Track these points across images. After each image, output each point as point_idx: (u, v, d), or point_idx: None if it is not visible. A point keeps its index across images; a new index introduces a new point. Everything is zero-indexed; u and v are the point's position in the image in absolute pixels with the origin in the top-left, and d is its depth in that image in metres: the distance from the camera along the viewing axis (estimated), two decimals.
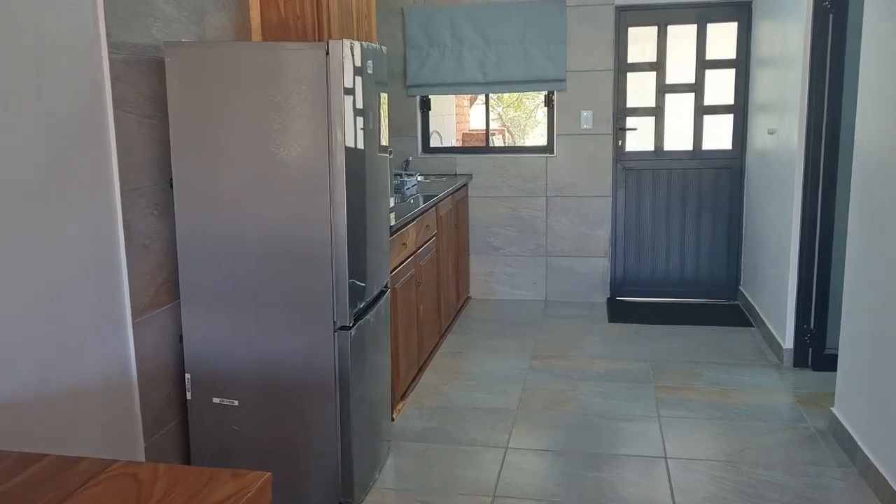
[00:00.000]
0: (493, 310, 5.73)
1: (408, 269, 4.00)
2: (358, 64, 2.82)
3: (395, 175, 5.34)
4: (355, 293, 2.86)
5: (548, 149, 5.85)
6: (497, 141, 8.22)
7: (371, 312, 3.07)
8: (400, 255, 3.85)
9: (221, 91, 2.71)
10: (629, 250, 5.82)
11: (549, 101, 5.80)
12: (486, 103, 6.19)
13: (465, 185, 5.80)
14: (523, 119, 14.15)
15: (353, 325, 2.84)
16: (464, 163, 5.90)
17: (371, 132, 3.06)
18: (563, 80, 5.62)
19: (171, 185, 2.80)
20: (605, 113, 5.64)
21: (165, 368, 2.89)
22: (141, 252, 2.72)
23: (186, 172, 2.78)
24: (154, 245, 2.79)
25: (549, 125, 5.85)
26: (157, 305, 2.82)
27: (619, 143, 5.72)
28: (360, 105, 2.87)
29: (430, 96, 5.99)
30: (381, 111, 3.22)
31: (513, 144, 12.27)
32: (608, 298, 5.85)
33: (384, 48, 3.25)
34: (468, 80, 5.72)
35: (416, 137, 5.97)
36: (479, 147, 6.36)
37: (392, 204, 4.03)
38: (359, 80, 2.84)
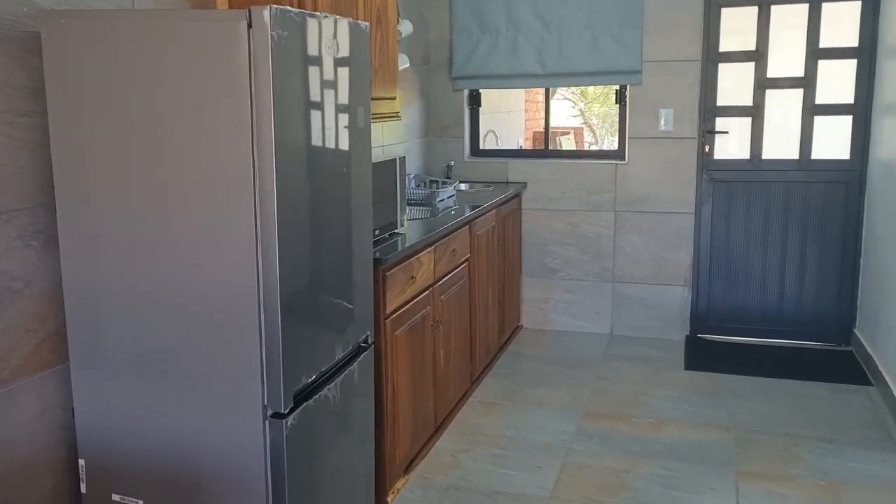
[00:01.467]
0: (546, 344, 4.82)
1: (418, 309, 3.16)
2: (312, 40, 2.00)
3: (429, 183, 4.51)
4: (297, 365, 2.05)
5: (618, 154, 4.90)
6: (566, 144, 7.21)
7: (332, 385, 2.25)
8: (405, 292, 3.02)
9: (110, 78, 1.94)
10: (715, 279, 4.80)
11: (620, 98, 4.84)
12: (546, 98, 5.26)
13: (518, 195, 4.91)
14: (611, 116, 13.07)
15: (293, 410, 2.03)
16: (517, 169, 5.01)
17: (343, 131, 2.25)
18: (639, 73, 4.65)
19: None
20: (689, 112, 4.64)
21: (51, 452, 2.15)
22: (7, 297, 1.98)
23: (71, 191, 2.03)
24: (30, 289, 2.06)
25: (621, 126, 4.89)
26: (34, 369, 2.08)
27: (707, 148, 4.70)
28: (315, 95, 2.05)
29: (479, 90, 5.12)
30: (362, 103, 2.40)
31: (597, 148, 11.30)
32: (687, 336, 4.85)
33: (366, 24, 2.42)
34: (524, 72, 4.83)
35: (463, 138, 5.11)
36: (535, 151, 5.45)
37: (404, 223, 3.20)
38: (318, 60, 2.02)
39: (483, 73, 4.90)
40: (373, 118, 3.19)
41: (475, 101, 5.14)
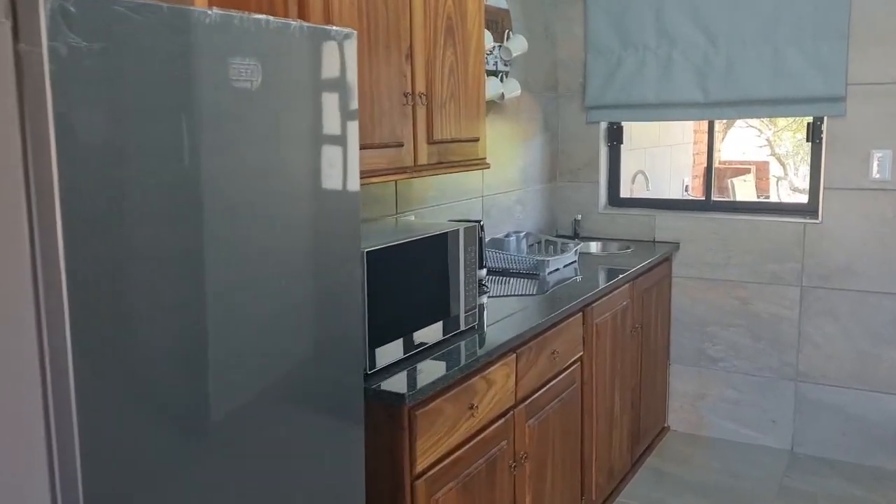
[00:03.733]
0: (699, 459, 3.62)
1: (483, 450, 2.16)
2: (179, 55, 1.10)
3: (544, 245, 3.50)
4: None
5: (808, 209, 3.63)
6: (742, 189, 5.75)
7: None
8: (455, 431, 2.03)
9: None
10: None
11: (813, 134, 3.58)
12: (710, 134, 4.06)
13: (667, 259, 3.77)
14: (804, 148, 11.25)
15: None
16: (668, 224, 3.86)
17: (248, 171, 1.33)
18: (842, 100, 3.39)
19: None
20: None
21: None
22: None
23: None
24: None
25: (814, 172, 3.63)
26: None
27: None
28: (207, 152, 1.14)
29: (621, 123, 4.03)
30: (336, 160, 1.46)
31: (791, 187, 9.72)
32: None
33: (342, 31, 1.48)
34: (680, 100, 3.69)
35: (598, 184, 4.03)
36: (692, 201, 4.24)
37: (479, 315, 2.22)
38: (211, 89, 1.12)
39: (625, 102, 3.81)
40: (445, 168, 2.27)
41: (615, 135, 4.05)
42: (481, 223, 2.84)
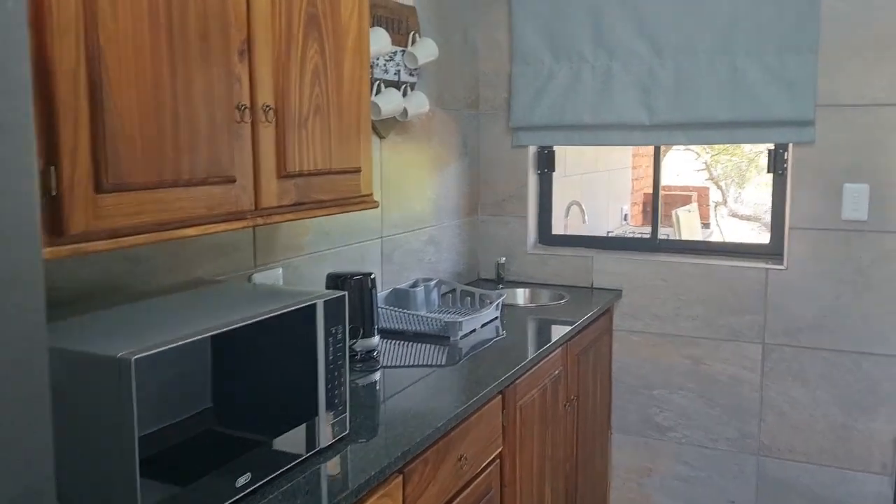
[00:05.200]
0: None
1: None
2: None
3: (459, 296, 2.87)
4: None
5: (771, 252, 3.08)
6: (687, 222, 5.16)
7: None
8: None
9: None
10: None
11: (775, 163, 3.03)
12: (656, 160, 3.48)
13: (608, 310, 3.17)
14: (744, 168, 10.93)
15: None
16: (608, 268, 3.26)
17: None
18: (810, 124, 2.85)
19: None
20: None
21: None
22: None
23: None
24: None
25: (776, 208, 3.08)
26: None
27: None
28: None
29: (553, 147, 3.43)
30: None
31: (730, 213, 9.38)
32: None
33: None
34: (621, 122, 3.11)
35: (527, 218, 3.42)
36: (636, 240, 3.64)
37: (340, 425, 1.54)
38: None
39: (558, 123, 3.21)
40: (307, 210, 1.62)
41: (547, 161, 3.45)
42: (372, 276, 2.18)
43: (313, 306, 1.50)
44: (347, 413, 1.62)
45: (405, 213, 2.87)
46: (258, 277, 2.10)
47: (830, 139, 2.84)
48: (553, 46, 3.17)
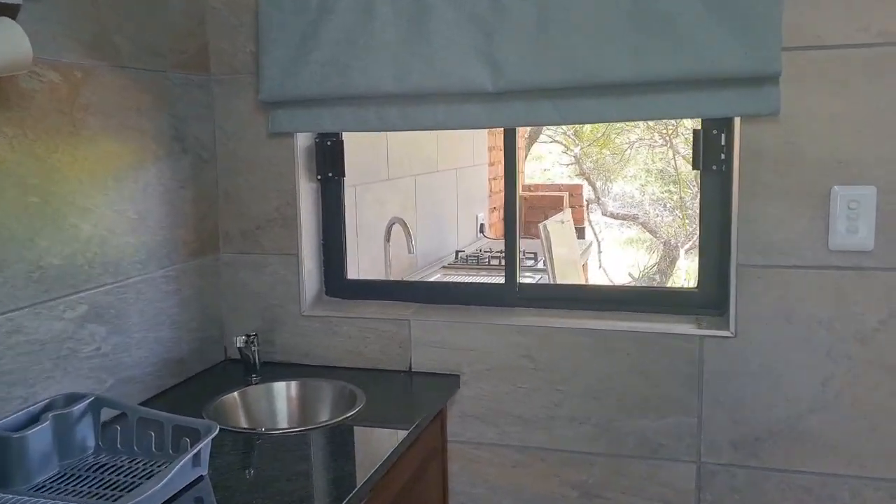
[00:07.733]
0: None
1: None
2: None
3: (143, 427, 1.38)
4: None
5: (704, 304, 1.82)
6: (560, 237, 3.72)
7: None
8: None
9: None
10: None
11: (704, 153, 1.77)
12: (509, 156, 2.14)
13: (439, 415, 1.82)
14: (614, 164, 9.90)
15: None
16: (436, 337, 1.92)
17: None
18: (772, 82, 1.59)
19: None
20: None
21: None
22: None
23: None
24: None
25: (709, 229, 1.82)
26: None
27: None
28: None
29: (341, 135, 2.05)
30: None
31: (603, 212, 8.44)
32: None
33: None
34: (446, 87, 1.76)
35: (298, 254, 2.01)
36: (484, 289, 2.27)
37: None
38: None
39: (337, 93, 1.82)
40: None
41: (330, 159, 2.05)
42: None
43: None
44: None
45: (27, 268, 1.42)
46: None
47: (806, 107, 1.60)
48: None
